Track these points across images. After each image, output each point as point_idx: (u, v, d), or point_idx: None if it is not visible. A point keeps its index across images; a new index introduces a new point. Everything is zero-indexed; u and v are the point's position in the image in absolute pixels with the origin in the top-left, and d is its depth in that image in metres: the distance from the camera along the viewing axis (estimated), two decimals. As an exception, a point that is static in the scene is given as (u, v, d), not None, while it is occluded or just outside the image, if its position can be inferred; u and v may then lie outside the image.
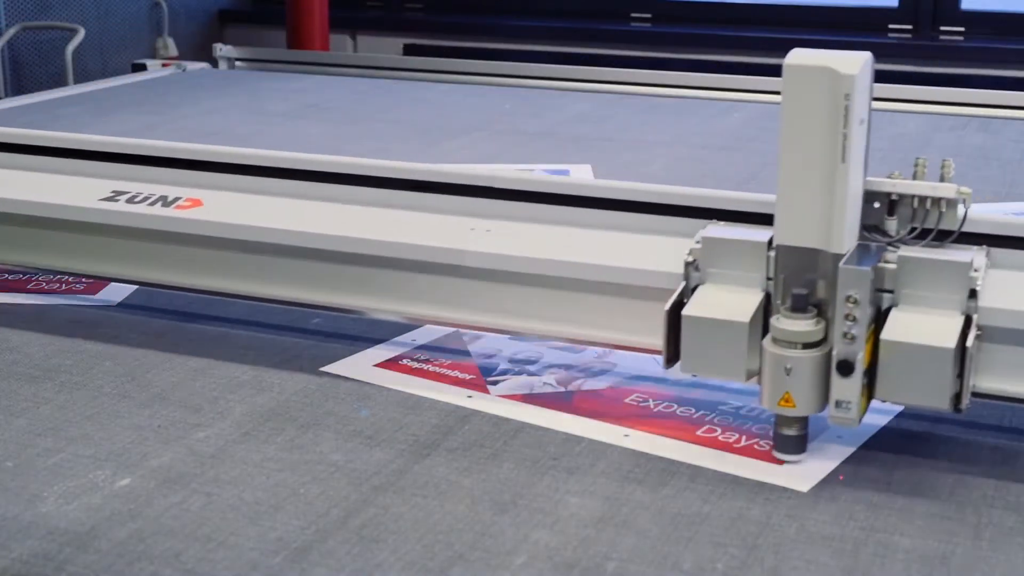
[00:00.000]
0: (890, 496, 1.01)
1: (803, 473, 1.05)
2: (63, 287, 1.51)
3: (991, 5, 3.55)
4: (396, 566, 0.90)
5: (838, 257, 1.01)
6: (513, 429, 1.13)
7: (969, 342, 0.99)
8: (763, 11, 3.74)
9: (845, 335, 0.99)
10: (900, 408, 1.16)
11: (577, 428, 1.13)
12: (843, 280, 0.99)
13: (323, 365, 1.27)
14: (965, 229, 1.06)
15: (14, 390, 1.21)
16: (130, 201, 1.34)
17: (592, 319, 1.19)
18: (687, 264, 1.09)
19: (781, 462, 1.06)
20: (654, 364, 1.27)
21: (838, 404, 1.00)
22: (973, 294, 1.02)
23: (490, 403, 1.18)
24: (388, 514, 0.97)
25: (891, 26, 3.58)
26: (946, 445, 1.10)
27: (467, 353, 1.30)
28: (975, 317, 1.02)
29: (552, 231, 1.22)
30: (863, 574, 0.90)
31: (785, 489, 1.02)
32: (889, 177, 1.07)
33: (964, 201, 1.05)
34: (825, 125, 0.99)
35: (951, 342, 0.99)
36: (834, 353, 1.00)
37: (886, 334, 1.00)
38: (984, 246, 1.07)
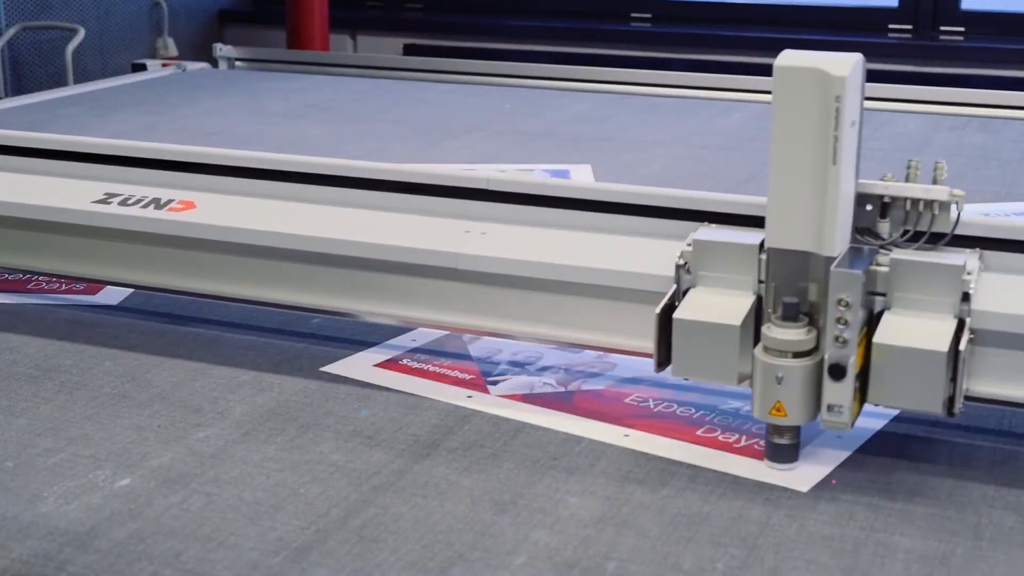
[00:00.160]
0: (890, 496, 1.01)
1: (803, 473, 1.05)
2: (63, 287, 1.51)
3: (991, 5, 3.55)
4: (396, 566, 0.90)
5: (830, 260, 1.00)
6: (513, 429, 1.13)
7: (962, 346, 0.99)
8: (763, 11, 3.74)
9: (837, 339, 0.98)
10: (900, 408, 1.16)
11: (577, 428, 1.13)
12: (834, 283, 0.98)
13: (323, 365, 1.27)
14: (958, 232, 1.05)
15: (14, 390, 1.21)
16: (123, 203, 1.34)
17: (584, 322, 1.18)
18: (678, 267, 1.09)
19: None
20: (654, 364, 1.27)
21: (830, 408, 0.99)
22: (966, 297, 1.01)
23: (490, 403, 1.18)
24: (388, 514, 0.97)
25: (891, 26, 3.58)
26: (946, 446, 1.10)
27: (467, 353, 1.30)
28: (968, 320, 1.01)
29: (543, 233, 1.22)
30: (863, 574, 0.90)
31: (785, 489, 1.02)
32: (882, 179, 1.06)
33: (957, 203, 1.05)
34: (816, 127, 0.99)
35: (944, 346, 0.98)
36: (826, 357, 0.99)
37: (878, 337, 1.00)
38: (977, 249, 1.07)
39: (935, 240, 1.05)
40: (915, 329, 1.00)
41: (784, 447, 1.05)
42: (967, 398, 1.03)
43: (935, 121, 2.17)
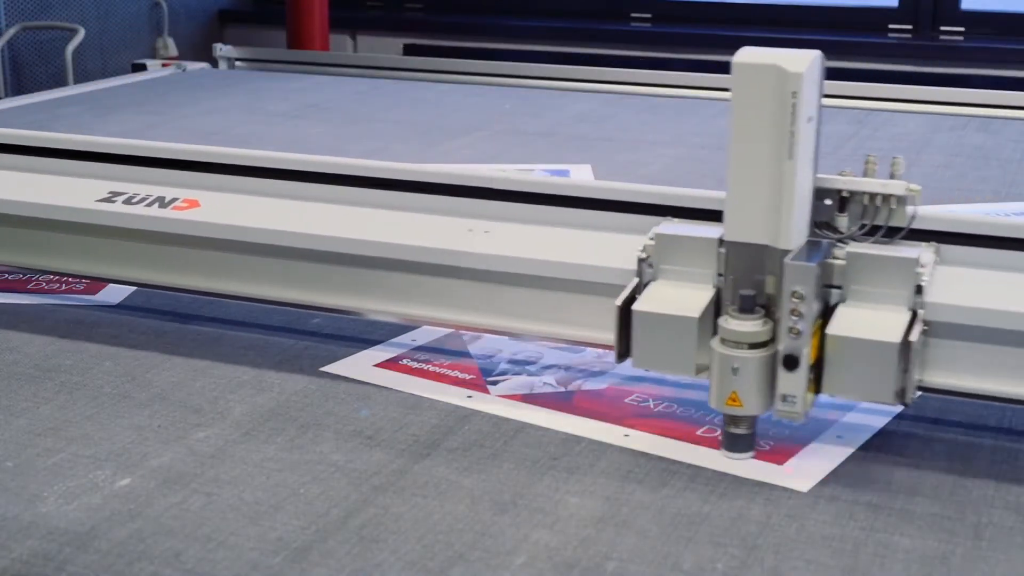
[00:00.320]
0: (890, 496, 1.01)
1: (803, 473, 1.05)
2: (63, 287, 1.51)
3: (991, 5, 3.55)
4: (396, 566, 0.90)
5: (786, 253, 1.01)
6: (513, 429, 1.13)
7: (914, 337, 1.00)
8: (763, 11, 3.74)
9: (791, 330, 1.00)
10: (899, 409, 1.17)
11: (577, 428, 1.13)
12: (788, 276, 1.00)
13: (323, 365, 1.27)
14: (917, 226, 1.07)
15: (14, 390, 1.21)
16: (127, 202, 1.34)
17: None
18: (640, 261, 1.10)
19: (782, 462, 1.06)
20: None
21: (784, 398, 1.01)
22: (919, 290, 1.03)
23: (490, 403, 1.18)
24: (388, 514, 0.97)
25: (891, 26, 3.58)
26: (946, 446, 1.10)
27: (467, 353, 1.30)
28: (921, 313, 1.03)
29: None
30: (863, 574, 0.90)
31: (785, 489, 1.02)
32: (840, 174, 1.08)
33: (913, 198, 1.06)
34: (772, 122, 1.00)
35: (896, 337, 1.00)
36: (780, 348, 1.01)
37: (832, 329, 1.01)
38: (933, 243, 1.08)
39: (892, 234, 1.07)
40: (868, 321, 1.02)
41: (740, 437, 1.06)
42: (922, 389, 1.05)
43: (935, 121, 2.17)
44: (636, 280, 1.10)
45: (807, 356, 1.00)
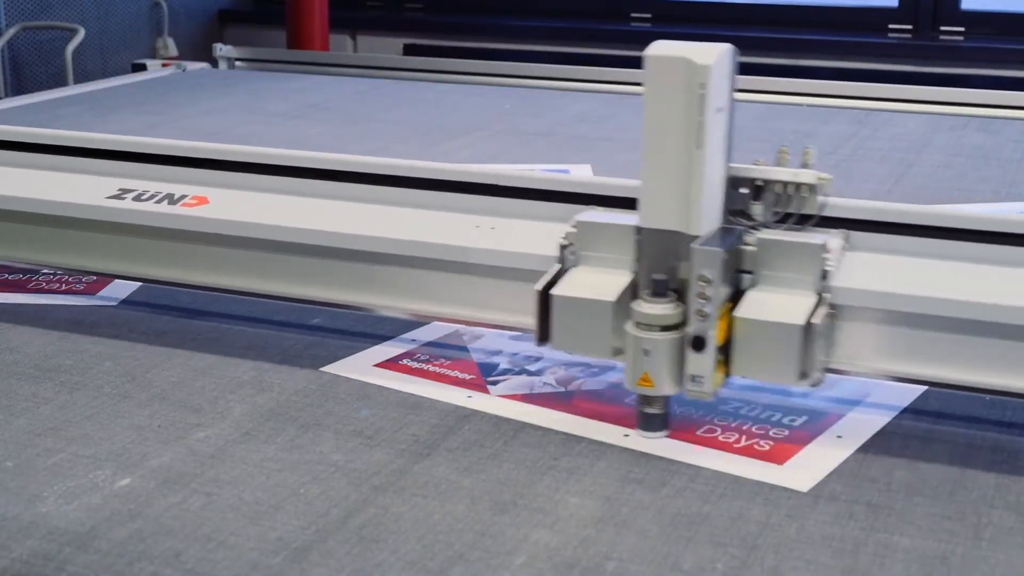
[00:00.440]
0: (890, 496, 1.01)
1: (803, 473, 1.05)
2: (63, 287, 1.51)
3: (991, 5, 3.55)
4: (396, 566, 0.90)
5: (696, 239, 1.05)
6: (513, 429, 1.13)
7: (817, 319, 1.04)
8: (763, 11, 3.74)
9: (699, 313, 1.03)
10: (900, 408, 1.17)
11: (577, 428, 1.13)
12: (696, 260, 1.03)
13: (323, 365, 1.27)
14: (830, 214, 1.11)
15: (14, 390, 1.21)
16: (137, 199, 1.35)
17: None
18: (562, 247, 1.14)
19: (782, 462, 1.06)
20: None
21: (693, 379, 1.05)
22: (825, 275, 1.07)
23: (490, 403, 1.18)
24: (388, 514, 0.97)
25: (891, 26, 3.58)
26: (946, 446, 1.10)
27: (467, 353, 1.30)
28: (826, 296, 1.06)
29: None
30: (863, 574, 0.90)
31: (785, 489, 1.02)
32: (754, 164, 1.12)
33: (823, 187, 1.11)
34: (682, 113, 1.04)
35: (799, 319, 1.03)
36: (688, 330, 1.04)
37: (739, 312, 1.06)
38: (844, 230, 1.11)
39: (804, 221, 1.11)
40: (775, 304, 1.06)
41: (654, 416, 1.10)
42: (830, 371, 1.09)
43: (935, 121, 2.16)
44: (558, 266, 1.13)
45: (714, 338, 1.04)
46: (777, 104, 2.21)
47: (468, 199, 1.27)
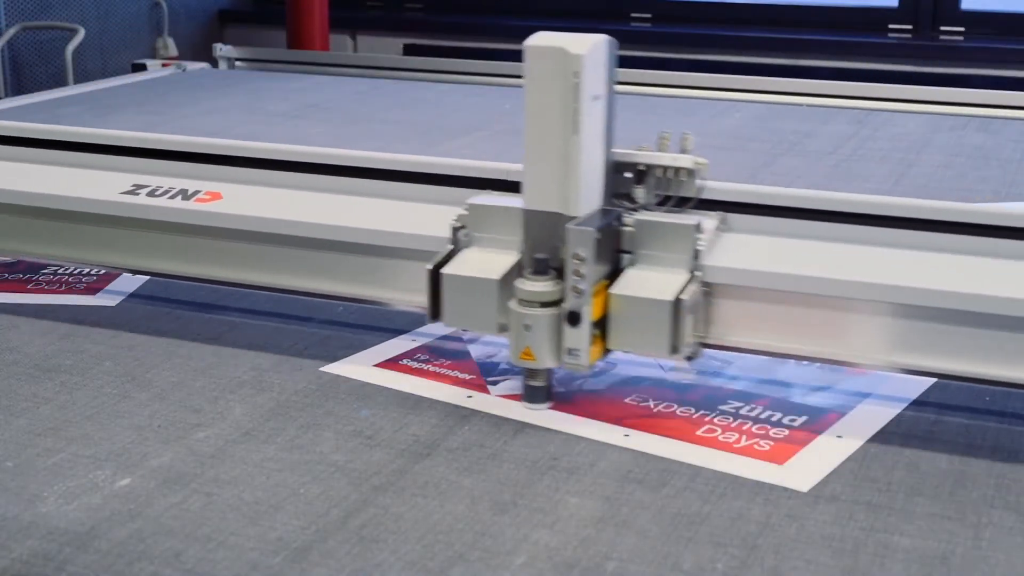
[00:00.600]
0: (890, 496, 1.01)
1: (803, 473, 1.05)
2: (63, 287, 1.51)
3: (991, 5, 3.54)
4: (396, 566, 0.90)
5: (574, 220, 1.11)
6: (513, 429, 1.13)
7: (685, 296, 1.10)
8: (763, 11, 3.74)
9: (574, 289, 1.09)
10: (900, 408, 1.17)
11: (577, 428, 1.13)
12: (571, 240, 1.09)
13: (323, 365, 1.27)
14: (710, 197, 1.18)
15: (14, 390, 1.21)
16: (151, 194, 1.37)
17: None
18: (455, 229, 1.19)
19: (782, 462, 1.07)
20: (654, 364, 1.27)
21: (569, 352, 1.11)
22: (697, 254, 1.13)
23: (490, 403, 1.18)
24: (388, 514, 0.97)
25: (891, 26, 3.58)
26: (946, 446, 1.10)
27: (467, 353, 1.30)
28: (698, 274, 1.13)
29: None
30: (863, 574, 0.90)
31: (785, 489, 1.02)
32: (638, 149, 1.18)
33: (701, 171, 1.18)
34: (559, 100, 1.10)
35: (669, 295, 1.09)
36: (564, 306, 1.10)
37: (614, 289, 1.12)
38: (720, 212, 1.18)
39: (684, 204, 1.18)
40: (648, 281, 1.12)
41: (537, 389, 1.16)
42: (705, 345, 1.16)
43: (935, 121, 2.16)
44: (450, 247, 1.19)
45: (588, 313, 1.09)
46: (777, 104, 2.21)
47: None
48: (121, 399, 1.19)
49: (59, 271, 1.56)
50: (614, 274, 1.14)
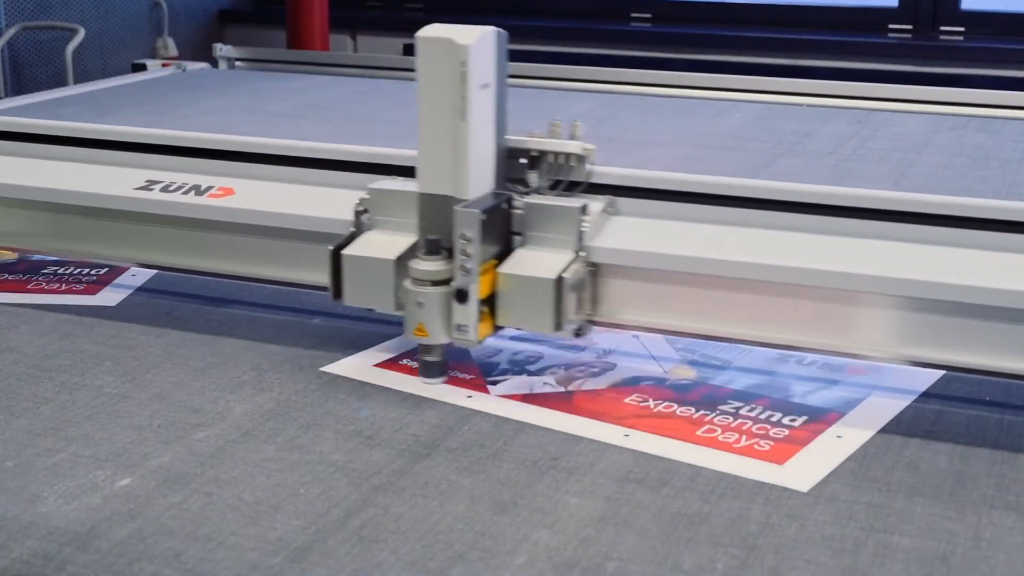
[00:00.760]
0: (890, 496, 1.01)
1: (803, 473, 1.05)
2: (63, 287, 1.51)
3: (991, 5, 3.54)
4: (396, 566, 0.90)
5: (463, 202, 1.16)
6: (513, 429, 1.13)
7: (568, 275, 1.15)
8: (763, 11, 3.74)
9: (462, 268, 1.15)
10: (900, 408, 1.17)
11: (577, 428, 1.13)
12: (458, 221, 1.15)
13: (323, 365, 1.27)
14: (599, 181, 1.24)
15: (14, 390, 1.21)
16: (164, 190, 1.39)
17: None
18: (357, 212, 1.25)
19: (782, 462, 1.07)
20: (654, 364, 1.27)
21: (459, 328, 1.17)
22: (582, 235, 1.18)
23: (490, 403, 1.18)
24: (388, 514, 0.97)
25: (891, 26, 3.57)
26: (946, 446, 1.10)
27: (467, 353, 1.30)
28: (582, 254, 1.18)
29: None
30: (863, 574, 0.90)
31: (785, 489, 1.02)
32: (529, 136, 1.24)
33: (590, 157, 1.24)
34: (447, 88, 1.16)
35: (551, 274, 1.15)
36: (453, 284, 1.16)
37: (502, 268, 1.18)
38: (610, 196, 1.23)
39: (574, 188, 1.24)
40: (534, 261, 1.18)
41: (432, 364, 1.22)
42: (593, 323, 1.21)
43: (935, 121, 2.16)
44: (353, 229, 1.25)
45: (476, 291, 1.15)
46: (777, 104, 2.21)
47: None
48: (121, 399, 1.19)
49: (59, 271, 1.56)
50: (505, 254, 1.19)
